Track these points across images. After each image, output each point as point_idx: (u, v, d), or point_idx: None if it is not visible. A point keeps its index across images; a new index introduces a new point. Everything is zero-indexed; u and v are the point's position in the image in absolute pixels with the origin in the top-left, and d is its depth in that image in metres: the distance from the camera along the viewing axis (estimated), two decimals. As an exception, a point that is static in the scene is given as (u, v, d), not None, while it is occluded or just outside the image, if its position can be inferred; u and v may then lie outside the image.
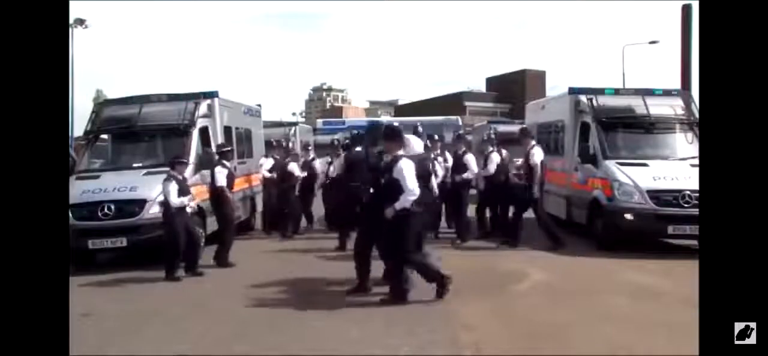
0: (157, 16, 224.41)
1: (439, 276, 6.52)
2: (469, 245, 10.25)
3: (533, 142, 10.21)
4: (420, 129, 9.39)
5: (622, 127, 10.56)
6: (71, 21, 25.31)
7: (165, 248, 8.26)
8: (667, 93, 11.46)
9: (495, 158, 10.96)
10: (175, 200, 8.07)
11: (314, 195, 12.37)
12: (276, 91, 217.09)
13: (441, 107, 39.76)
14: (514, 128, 18.47)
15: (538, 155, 9.90)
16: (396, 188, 6.21)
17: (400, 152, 6.40)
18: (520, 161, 13.17)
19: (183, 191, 8.25)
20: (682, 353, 4.72)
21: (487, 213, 11.11)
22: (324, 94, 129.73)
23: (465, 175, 10.44)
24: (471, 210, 11.08)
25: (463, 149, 10.90)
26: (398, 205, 6.19)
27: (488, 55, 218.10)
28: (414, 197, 6.18)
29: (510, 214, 10.82)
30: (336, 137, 13.13)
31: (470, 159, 10.65)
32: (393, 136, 6.63)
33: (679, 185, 9.07)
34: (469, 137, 17.28)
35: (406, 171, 6.20)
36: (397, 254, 6.46)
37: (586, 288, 7.33)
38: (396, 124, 6.90)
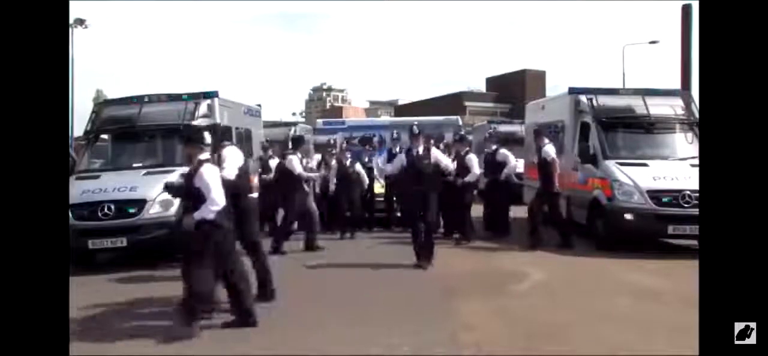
0: (157, 16, 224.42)
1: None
2: (472, 244, 10.25)
3: (547, 140, 10.24)
4: (415, 129, 8.78)
5: (622, 127, 10.56)
6: (71, 21, 25.33)
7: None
8: (667, 93, 11.48)
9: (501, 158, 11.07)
10: None
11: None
12: (276, 91, 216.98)
13: (441, 107, 39.70)
14: (515, 128, 18.58)
15: (552, 151, 9.99)
16: (199, 198, 5.45)
17: (203, 157, 5.61)
18: (520, 161, 13.27)
19: None
20: (682, 353, 4.72)
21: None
22: (324, 94, 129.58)
23: (468, 178, 10.45)
24: (476, 210, 11.11)
25: (466, 149, 10.92)
26: (197, 215, 5.43)
27: (488, 55, 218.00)
28: (217, 208, 5.43)
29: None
30: (333, 137, 13.09)
31: (473, 160, 10.68)
32: (192, 139, 5.80)
33: (679, 185, 9.08)
34: (470, 137, 17.27)
35: (209, 179, 5.46)
36: (191, 269, 5.60)
37: (586, 288, 7.33)
38: (196, 124, 6.11)
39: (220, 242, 5.55)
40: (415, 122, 9.57)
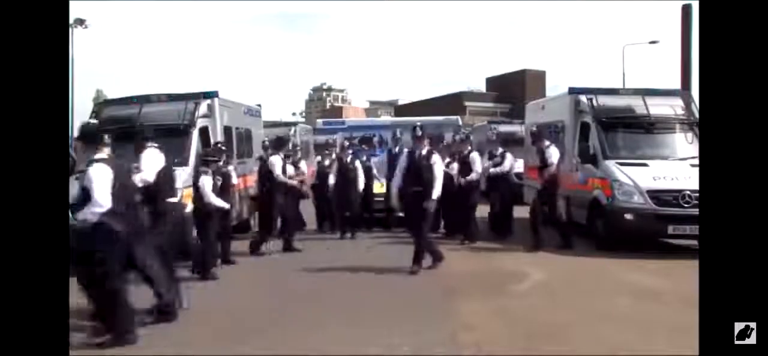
0: (157, 16, 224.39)
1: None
2: (473, 245, 10.25)
3: (548, 142, 10.13)
4: (419, 131, 8.45)
5: (622, 127, 10.57)
6: (71, 21, 25.33)
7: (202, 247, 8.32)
8: (667, 93, 11.49)
9: (509, 158, 11.13)
10: (215, 201, 8.15)
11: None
12: (276, 91, 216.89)
13: (441, 107, 39.74)
14: (515, 128, 18.59)
15: (555, 155, 9.88)
16: (87, 199, 5.07)
17: (99, 155, 5.31)
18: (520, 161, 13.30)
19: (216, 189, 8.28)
20: (682, 353, 4.72)
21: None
22: (324, 94, 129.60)
23: (470, 177, 10.43)
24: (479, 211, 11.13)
25: (469, 148, 10.91)
26: (80, 216, 5.11)
27: (488, 55, 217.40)
28: (100, 209, 5.04)
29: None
30: (333, 137, 13.13)
31: (475, 159, 10.66)
32: (84, 136, 5.52)
33: (679, 185, 9.08)
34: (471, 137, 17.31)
35: (95, 178, 5.08)
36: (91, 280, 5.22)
37: (586, 288, 7.33)
38: (92, 122, 5.80)
39: (103, 244, 5.14)
40: (418, 123, 9.44)
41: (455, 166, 10.84)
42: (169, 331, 5.78)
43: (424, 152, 8.25)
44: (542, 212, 10.04)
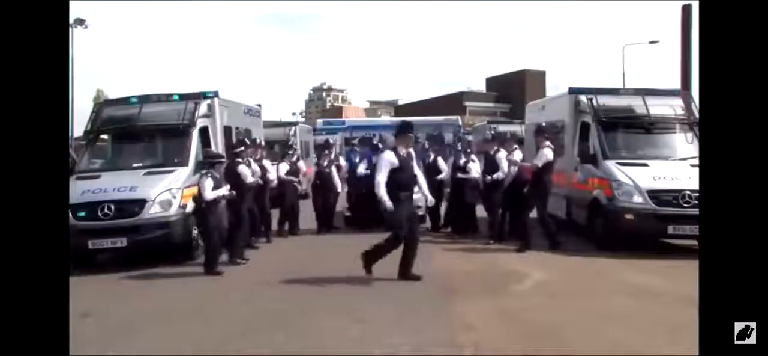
0: (157, 16, 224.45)
1: None
2: (472, 244, 10.24)
3: (546, 142, 9.84)
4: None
5: (622, 127, 10.56)
6: (71, 21, 25.32)
7: (205, 243, 8.58)
8: (667, 93, 11.49)
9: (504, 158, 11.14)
10: (209, 194, 8.21)
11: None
12: (276, 91, 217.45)
13: (441, 107, 39.85)
14: (515, 128, 18.61)
15: (543, 156, 9.68)
16: None
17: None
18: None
19: (217, 187, 8.35)
20: (682, 353, 4.72)
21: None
22: (324, 94, 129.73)
23: (496, 175, 10.37)
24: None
25: (495, 148, 10.78)
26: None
27: (488, 55, 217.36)
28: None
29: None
30: (333, 137, 13.17)
31: (501, 159, 10.44)
32: None
33: (679, 185, 9.07)
34: (470, 137, 17.33)
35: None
36: None
37: (586, 288, 7.33)
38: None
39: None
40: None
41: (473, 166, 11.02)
42: (168, 330, 5.79)
43: (405, 152, 7.62)
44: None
